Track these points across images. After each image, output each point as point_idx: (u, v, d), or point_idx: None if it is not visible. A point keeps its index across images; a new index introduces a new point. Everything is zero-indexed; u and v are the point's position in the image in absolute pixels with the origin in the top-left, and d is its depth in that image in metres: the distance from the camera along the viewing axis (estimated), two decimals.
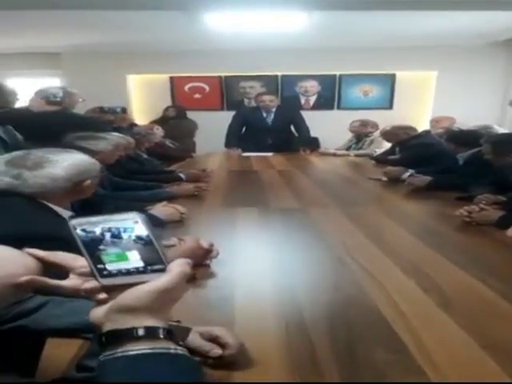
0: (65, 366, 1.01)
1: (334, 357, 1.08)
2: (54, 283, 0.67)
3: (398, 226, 2.24)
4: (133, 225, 0.65)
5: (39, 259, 0.68)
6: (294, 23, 4.75)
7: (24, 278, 0.63)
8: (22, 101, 3.69)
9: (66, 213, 1.63)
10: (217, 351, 1.01)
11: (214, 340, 1.04)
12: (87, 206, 2.00)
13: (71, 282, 0.68)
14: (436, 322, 1.27)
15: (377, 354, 1.09)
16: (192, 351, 0.98)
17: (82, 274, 0.67)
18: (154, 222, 2.12)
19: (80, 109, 4.05)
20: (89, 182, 1.68)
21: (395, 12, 4.26)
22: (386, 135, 4.66)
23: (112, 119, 4.61)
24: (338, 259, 1.78)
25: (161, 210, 2.26)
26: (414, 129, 4.47)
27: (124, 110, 5.00)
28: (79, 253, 0.66)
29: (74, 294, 0.68)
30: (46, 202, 1.56)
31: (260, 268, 1.71)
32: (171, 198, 2.64)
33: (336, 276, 1.62)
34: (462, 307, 1.36)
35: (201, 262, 1.63)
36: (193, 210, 2.42)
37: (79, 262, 0.68)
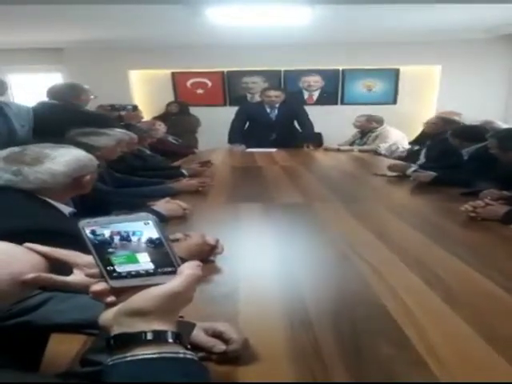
0: (68, 362, 1.00)
1: (338, 352, 1.08)
2: (60, 279, 0.67)
3: (403, 222, 2.23)
4: (143, 227, 0.64)
5: (44, 255, 0.67)
6: (297, 17, 4.73)
7: (30, 275, 0.63)
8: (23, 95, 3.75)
9: (65, 208, 1.64)
10: (221, 347, 1.01)
11: (218, 336, 1.04)
12: (90, 202, 2.00)
13: (76, 277, 0.68)
14: (441, 317, 1.26)
15: (382, 348, 1.09)
16: (196, 347, 0.98)
17: (91, 276, 0.67)
18: (157, 218, 2.11)
19: (89, 106, 4.07)
20: (88, 177, 1.69)
21: (399, 6, 4.25)
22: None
23: (121, 116, 4.62)
24: (342, 254, 1.77)
25: (164, 205, 2.25)
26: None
27: (135, 108, 5.01)
28: (81, 247, 0.66)
29: (80, 289, 0.68)
30: (45, 198, 1.55)
31: (264, 264, 1.70)
32: (174, 194, 2.63)
33: (340, 271, 1.61)
34: (468, 302, 1.35)
35: (206, 258, 1.63)
36: (196, 206, 2.41)
37: (83, 258, 0.68)
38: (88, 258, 0.67)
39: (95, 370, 0.78)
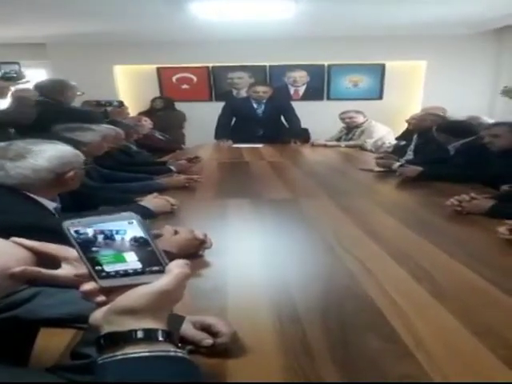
0: (58, 355, 1.01)
1: (326, 345, 1.09)
2: (48, 273, 0.66)
3: (389, 216, 2.25)
4: (127, 226, 0.64)
5: (31, 250, 0.67)
6: (281, 11, 4.70)
7: (17, 269, 0.63)
8: None
9: (50, 204, 1.64)
10: (208, 341, 1.01)
11: (206, 329, 1.04)
12: (77, 198, 1.99)
13: (65, 271, 0.67)
14: (428, 310, 1.28)
15: (370, 342, 1.10)
16: (184, 340, 0.99)
17: (80, 276, 0.66)
18: (145, 214, 2.11)
19: (75, 102, 4.05)
20: (72, 173, 1.68)
21: (384, 0, 4.26)
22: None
23: (107, 112, 4.60)
24: (329, 249, 1.78)
25: (152, 201, 2.24)
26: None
27: (121, 104, 4.98)
28: (65, 243, 0.65)
29: (68, 283, 0.67)
30: (29, 193, 1.55)
31: (252, 258, 1.71)
32: (162, 190, 2.62)
33: (328, 266, 1.63)
34: (454, 295, 1.37)
35: (195, 253, 1.63)
36: (184, 202, 2.41)
37: (72, 252, 0.68)
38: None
39: (84, 362, 0.78)
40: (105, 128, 2.83)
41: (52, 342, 1.03)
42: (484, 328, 1.16)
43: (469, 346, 1.09)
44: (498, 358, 1.02)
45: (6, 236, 0.68)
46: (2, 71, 3.40)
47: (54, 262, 0.68)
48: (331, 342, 1.10)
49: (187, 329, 1.02)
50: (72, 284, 0.67)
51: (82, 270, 0.66)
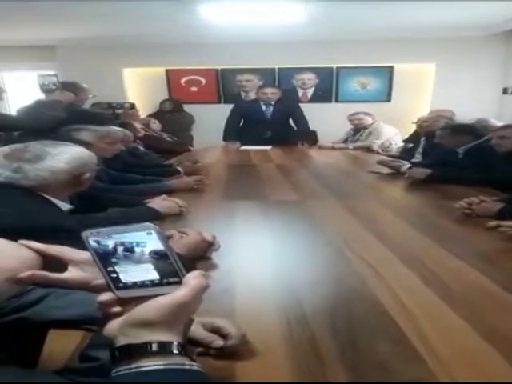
0: (66, 357, 1.00)
1: (335, 348, 1.08)
2: (55, 276, 0.66)
3: (398, 218, 2.24)
4: (146, 238, 0.64)
5: (37, 252, 0.67)
6: (290, 14, 4.73)
7: (25, 274, 0.63)
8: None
9: (64, 205, 1.65)
10: (219, 342, 1.01)
11: (216, 331, 1.04)
12: (85, 199, 2.01)
13: (71, 274, 0.67)
14: (437, 313, 1.27)
15: (378, 344, 1.09)
16: (195, 342, 0.99)
17: (97, 286, 0.66)
18: (154, 215, 2.12)
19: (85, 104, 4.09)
20: (88, 174, 1.72)
21: (393, 3, 4.25)
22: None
23: (118, 114, 4.61)
24: (337, 251, 1.77)
25: (160, 203, 2.25)
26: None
27: (132, 106, 4.99)
28: (79, 244, 0.65)
29: (75, 286, 0.67)
30: (44, 195, 1.57)
31: (260, 260, 1.71)
32: (170, 192, 2.63)
33: (336, 268, 1.62)
34: (463, 298, 1.36)
35: (203, 255, 1.63)
36: (192, 204, 2.41)
37: (79, 254, 0.68)
38: (84, 255, 0.67)
39: (93, 365, 0.78)
40: (110, 129, 2.83)
41: (61, 344, 1.03)
42: (494, 331, 1.15)
43: (479, 349, 1.08)
44: (508, 362, 1.01)
45: (19, 237, 0.68)
46: (41, 83, 3.44)
47: (60, 264, 0.68)
48: (340, 345, 1.09)
49: (197, 330, 1.02)
50: (79, 287, 0.67)
51: (91, 273, 0.66)
